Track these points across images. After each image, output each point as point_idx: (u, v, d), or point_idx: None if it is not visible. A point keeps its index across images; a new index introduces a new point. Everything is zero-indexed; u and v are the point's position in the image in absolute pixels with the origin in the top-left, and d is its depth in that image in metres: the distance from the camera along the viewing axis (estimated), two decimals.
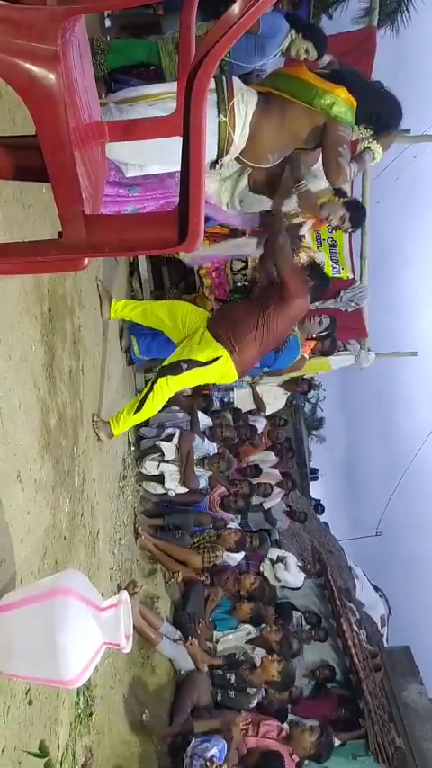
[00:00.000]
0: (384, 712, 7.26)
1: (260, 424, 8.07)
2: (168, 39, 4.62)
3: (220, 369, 4.13)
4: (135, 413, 4.13)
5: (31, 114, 1.43)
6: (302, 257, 5.77)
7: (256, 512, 8.04)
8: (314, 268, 4.62)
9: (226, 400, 7.59)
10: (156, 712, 4.44)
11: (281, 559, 7.82)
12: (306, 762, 5.29)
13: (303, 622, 7.79)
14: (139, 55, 4.63)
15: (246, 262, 5.81)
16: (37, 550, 2.65)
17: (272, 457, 8.70)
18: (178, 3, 2.17)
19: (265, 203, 4.63)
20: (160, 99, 3.55)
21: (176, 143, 1.58)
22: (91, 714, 3.34)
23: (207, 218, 4.64)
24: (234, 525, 6.94)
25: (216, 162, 3.80)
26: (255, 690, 5.25)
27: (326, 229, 6.47)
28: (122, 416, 4.12)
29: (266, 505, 8.21)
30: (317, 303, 5.44)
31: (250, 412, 7.73)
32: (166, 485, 5.62)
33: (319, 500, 21.43)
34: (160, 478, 5.64)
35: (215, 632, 5.85)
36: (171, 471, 5.63)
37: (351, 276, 6.51)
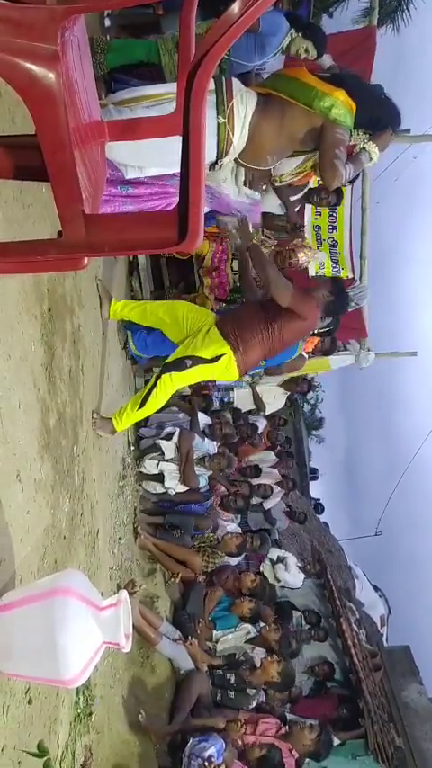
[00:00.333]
0: (384, 712, 7.27)
1: (260, 424, 8.07)
2: (168, 37, 4.62)
3: (224, 366, 4.14)
4: (139, 408, 4.14)
5: (30, 114, 1.43)
6: (302, 257, 5.78)
7: (255, 511, 8.04)
8: (336, 284, 4.53)
9: (226, 400, 7.59)
10: (155, 712, 4.44)
11: (281, 560, 7.83)
12: (306, 761, 5.29)
13: (303, 622, 7.80)
14: (139, 54, 4.62)
15: None
16: (37, 550, 2.65)
17: (271, 457, 8.70)
18: (178, 2, 2.17)
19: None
20: (159, 100, 3.55)
21: (176, 144, 1.58)
22: (91, 714, 3.34)
23: (206, 218, 4.64)
24: (233, 525, 6.94)
25: (215, 163, 3.80)
26: (254, 690, 5.26)
27: (326, 229, 6.48)
28: (126, 412, 4.12)
29: (266, 505, 8.22)
30: None
31: (250, 412, 7.73)
32: (166, 483, 5.62)
33: (319, 500, 21.48)
34: (160, 477, 5.64)
35: (215, 632, 5.85)
36: (170, 470, 5.63)
37: (351, 276, 6.52)
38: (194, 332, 4.23)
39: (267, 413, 7.82)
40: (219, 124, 3.60)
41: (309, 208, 6.31)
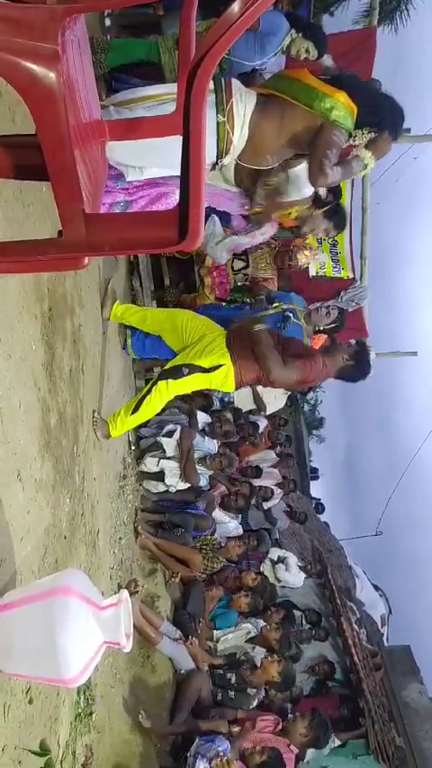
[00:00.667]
0: (384, 711, 7.27)
1: (261, 424, 8.07)
2: (168, 36, 4.62)
3: (221, 377, 4.15)
4: (132, 413, 4.12)
5: (31, 113, 1.43)
6: (302, 259, 5.77)
7: (256, 511, 8.03)
8: (360, 352, 4.41)
9: (226, 399, 7.58)
10: (156, 712, 4.44)
11: (281, 560, 7.83)
12: (307, 761, 5.29)
13: (304, 621, 7.80)
14: (139, 54, 4.63)
15: (246, 261, 5.81)
16: (37, 550, 2.65)
17: (272, 456, 8.70)
18: (178, 2, 2.17)
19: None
20: (159, 101, 3.55)
21: (176, 144, 1.58)
22: (91, 713, 3.34)
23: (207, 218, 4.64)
24: (234, 524, 6.91)
25: (216, 163, 3.81)
26: (255, 690, 5.25)
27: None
28: (119, 417, 4.10)
29: (266, 505, 8.21)
30: (317, 304, 5.42)
31: (250, 411, 7.72)
32: (167, 481, 5.62)
33: (320, 499, 21.47)
34: (160, 476, 5.64)
35: (215, 631, 5.85)
36: (171, 467, 5.63)
37: (351, 276, 6.52)
38: (195, 340, 4.23)
39: (268, 413, 7.81)
40: (218, 123, 3.60)
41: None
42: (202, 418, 6.42)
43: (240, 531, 6.97)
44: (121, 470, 4.98)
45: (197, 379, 4.14)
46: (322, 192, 4.73)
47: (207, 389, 6.65)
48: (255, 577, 6.26)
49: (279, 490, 8.26)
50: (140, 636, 4.70)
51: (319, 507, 18.53)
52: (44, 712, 2.59)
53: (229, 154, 3.75)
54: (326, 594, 8.88)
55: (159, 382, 4.09)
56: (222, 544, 6.30)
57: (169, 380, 4.09)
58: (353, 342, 5.09)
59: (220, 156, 3.75)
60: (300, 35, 4.75)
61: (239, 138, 3.69)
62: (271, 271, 5.85)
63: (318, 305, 5.33)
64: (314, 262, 6.20)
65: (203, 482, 6.11)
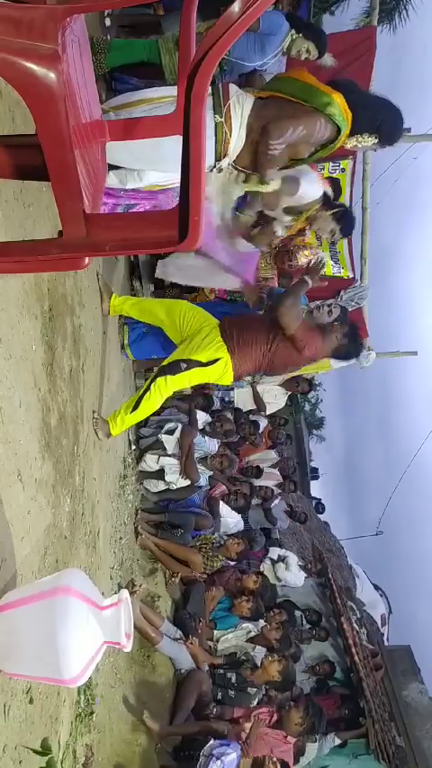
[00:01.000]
0: (385, 711, 7.28)
1: (261, 423, 8.07)
2: (169, 37, 4.62)
3: (219, 370, 4.15)
4: (132, 411, 4.12)
5: (31, 113, 1.43)
6: (302, 260, 5.77)
7: (256, 510, 8.03)
8: (352, 328, 4.51)
9: (227, 399, 7.59)
10: (156, 711, 4.44)
11: (281, 559, 7.83)
12: (308, 762, 5.29)
13: (304, 621, 7.80)
14: (140, 54, 4.63)
15: None
16: (37, 549, 2.65)
17: (272, 455, 8.70)
18: (178, 2, 2.18)
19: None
20: (158, 104, 3.55)
21: (175, 147, 1.58)
22: (92, 713, 3.34)
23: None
24: (234, 520, 6.86)
25: (213, 166, 3.81)
26: (255, 690, 5.26)
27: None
28: (120, 415, 4.10)
29: (266, 505, 8.21)
30: (317, 302, 5.42)
31: (250, 411, 7.73)
32: (167, 478, 5.62)
33: (320, 499, 21.49)
34: (160, 474, 5.64)
35: (215, 631, 5.85)
36: (171, 464, 5.64)
37: (351, 275, 6.52)
38: (192, 334, 4.22)
39: (268, 413, 7.82)
40: (216, 123, 3.60)
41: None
42: (203, 418, 6.42)
43: (241, 526, 6.94)
44: (121, 470, 4.98)
45: (195, 373, 4.14)
46: (331, 192, 4.73)
47: (207, 388, 6.67)
48: (256, 580, 6.26)
49: (278, 491, 8.26)
50: (141, 636, 4.70)
51: (320, 507, 18.55)
52: (45, 712, 2.59)
53: (227, 156, 3.75)
54: (326, 594, 8.88)
55: (158, 379, 4.09)
56: (222, 542, 6.29)
57: (167, 376, 4.08)
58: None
59: (218, 158, 3.75)
60: (300, 35, 4.75)
61: (237, 138, 3.68)
62: (271, 271, 5.85)
63: (319, 303, 5.32)
64: (314, 260, 6.19)
65: (203, 481, 6.11)
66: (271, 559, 7.79)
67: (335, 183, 5.73)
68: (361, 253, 6.56)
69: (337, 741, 6.36)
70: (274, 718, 5.09)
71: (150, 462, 5.63)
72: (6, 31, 1.37)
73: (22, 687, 2.35)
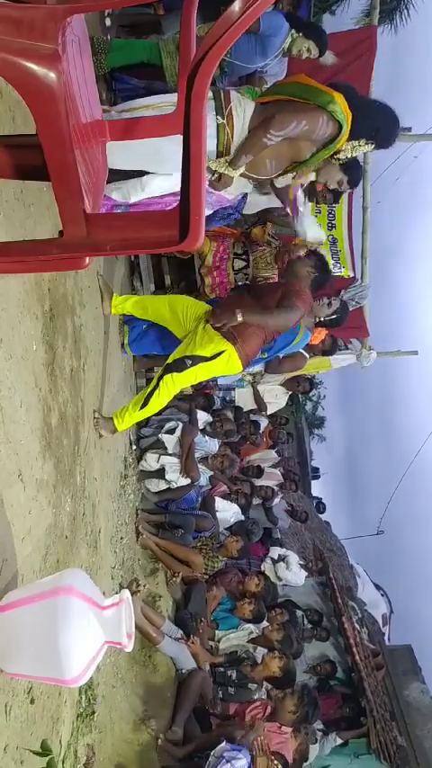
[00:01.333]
0: (386, 711, 7.28)
1: (261, 423, 8.07)
2: (169, 39, 4.63)
3: (225, 362, 4.12)
4: (141, 408, 4.13)
5: (31, 112, 1.43)
6: (302, 253, 5.76)
7: (257, 509, 8.04)
8: (315, 259, 4.59)
9: (227, 399, 7.59)
10: (157, 711, 4.44)
11: (282, 558, 7.83)
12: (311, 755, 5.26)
13: (305, 621, 7.80)
14: (140, 55, 4.63)
15: (247, 261, 5.81)
16: (39, 549, 2.65)
17: (273, 455, 8.70)
18: (178, 2, 2.17)
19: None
20: (159, 109, 3.56)
21: (176, 150, 1.58)
22: (93, 713, 3.34)
23: (208, 220, 4.63)
24: (234, 510, 6.84)
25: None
26: (255, 685, 5.25)
27: (326, 227, 6.46)
28: (128, 411, 4.11)
29: (267, 504, 8.22)
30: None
31: (251, 411, 7.73)
32: (167, 476, 5.62)
33: (321, 499, 21.50)
34: (161, 473, 5.64)
35: (217, 631, 5.85)
36: (172, 463, 5.64)
37: (352, 275, 6.51)
38: (193, 328, 4.22)
39: (269, 412, 7.82)
40: (218, 125, 3.61)
41: (308, 205, 6.30)
42: (203, 417, 6.42)
43: (240, 516, 6.93)
44: (122, 470, 4.98)
45: (202, 369, 4.13)
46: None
47: (208, 387, 6.67)
48: (258, 583, 6.26)
49: (279, 491, 8.26)
50: (142, 635, 4.70)
51: (320, 506, 18.55)
52: (46, 712, 2.59)
53: (229, 156, 3.76)
54: (327, 594, 8.89)
55: (165, 376, 4.08)
56: (222, 542, 6.29)
57: (174, 374, 4.08)
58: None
59: (219, 158, 3.76)
60: (300, 34, 4.75)
61: (239, 140, 3.69)
62: (272, 271, 5.85)
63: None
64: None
65: (204, 481, 6.10)
66: (272, 559, 7.79)
67: None
68: (362, 252, 6.56)
69: (339, 741, 6.37)
70: (268, 710, 5.05)
71: (151, 461, 5.63)
72: (7, 31, 1.37)
73: (23, 687, 2.35)
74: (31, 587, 2.16)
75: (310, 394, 25.86)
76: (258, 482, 7.83)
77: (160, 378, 4.10)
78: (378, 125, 3.80)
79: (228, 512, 6.63)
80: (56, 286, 3.14)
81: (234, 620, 5.99)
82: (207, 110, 1.56)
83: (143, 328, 4.89)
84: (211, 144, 3.62)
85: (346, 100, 3.62)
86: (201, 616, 5.46)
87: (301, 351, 5.73)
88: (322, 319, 5.28)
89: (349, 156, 3.98)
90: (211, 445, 6.32)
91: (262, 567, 7.53)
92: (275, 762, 4.24)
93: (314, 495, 23.21)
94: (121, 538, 4.62)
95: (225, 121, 3.62)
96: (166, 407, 5.32)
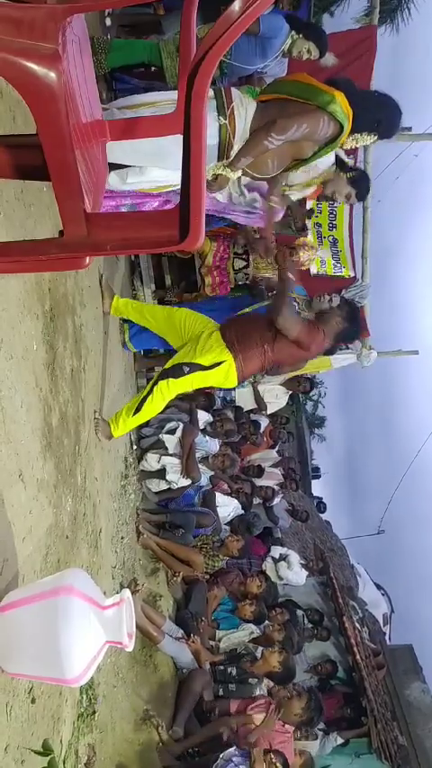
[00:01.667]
0: (387, 710, 7.28)
1: (262, 423, 8.07)
2: (170, 40, 4.63)
3: (222, 373, 4.11)
4: (134, 414, 4.11)
5: (31, 112, 1.43)
6: (302, 256, 5.77)
7: (257, 509, 8.04)
8: (349, 310, 4.45)
9: (228, 399, 7.59)
10: (158, 710, 4.44)
11: (283, 557, 7.82)
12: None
13: (305, 620, 7.80)
14: (141, 55, 4.63)
15: (247, 261, 5.82)
16: (39, 549, 2.65)
17: (273, 455, 8.70)
18: (178, 2, 2.17)
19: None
20: (158, 107, 3.55)
21: (177, 146, 1.58)
22: (94, 713, 3.35)
23: (208, 220, 4.64)
24: (234, 505, 6.82)
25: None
26: (256, 680, 5.25)
27: (326, 227, 6.47)
28: (121, 417, 4.09)
29: (268, 504, 8.22)
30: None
31: (251, 411, 7.73)
32: (168, 477, 5.63)
33: (321, 498, 21.50)
34: (162, 474, 5.64)
35: (218, 631, 5.86)
36: (172, 464, 5.64)
37: (352, 274, 6.51)
38: (193, 338, 4.22)
39: (269, 412, 7.83)
40: (220, 125, 3.61)
41: (308, 205, 6.30)
42: (204, 417, 6.42)
43: (240, 510, 6.92)
44: (122, 470, 4.98)
45: (198, 377, 4.12)
46: (344, 156, 4.70)
47: (209, 390, 6.67)
48: (260, 584, 6.26)
49: (279, 490, 8.26)
50: (143, 635, 4.70)
51: (321, 506, 18.54)
52: (47, 712, 2.59)
53: (231, 157, 3.76)
54: (328, 593, 8.88)
55: (160, 382, 4.08)
56: (222, 541, 6.29)
57: (170, 379, 4.07)
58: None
59: (221, 159, 3.75)
60: (300, 36, 4.75)
61: (240, 141, 3.69)
62: (272, 270, 5.85)
63: (319, 294, 5.34)
64: (315, 259, 6.20)
65: (204, 481, 6.10)
66: (273, 558, 7.79)
67: None
68: (362, 251, 6.56)
69: (340, 740, 6.36)
70: (271, 708, 5.05)
71: (152, 462, 5.63)
72: (7, 31, 1.37)
73: (24, 687, 2.35)
74: (32, 587, 2.16)
75: (311, 394, 25.88)
76: (259, 482, 7.83)
77: (155, 383, 4.09)
78: (379, 117, 3.80)
79: (228, 506, 6.63)
80: (56, 286, 3.14)
81: (235, 620, 5.99)
82: (208, 109, 1.55)
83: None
84: (211, 143, 3.62)
85: (346, 95, 3.62)
86: (201, 616, 5.46)
87: None
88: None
89: (352, 147, 3.97)
90: (212, 445, 6.32)
91: (263, 566, 7.53)
92: (275, 761, 4.24)
93: (315, 494, 23.22)
94: (122, 537, 4.62)
95: (227, 122, 3.62)
96: (167, 407, 5.31)
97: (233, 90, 3.72)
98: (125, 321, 4.93)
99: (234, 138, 3.67)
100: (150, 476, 5.73)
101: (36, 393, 2.71)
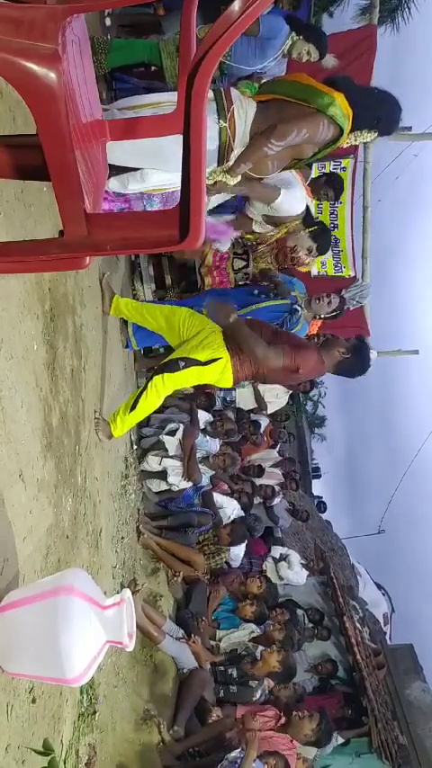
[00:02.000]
0: (387, 710, 7.27)
1: (262, 422, 8.07)
2: (170, 40, 4.63)
3: (218, 371, 4.05)
4: (130, 411, 4.06)
5: (31, 112, 1.43)
6: (303, 255, 5.76)
7: (258, 508, 8.04)
8: (356, 345, 4.24)
9: (228, 399, 7.59)
10: (159, 710, 4.45)
11: (284, 557, 7.83)
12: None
13: (306, 620, 7.80)
14: (141, 55, 4.63)
15: (247, 261, 5.82)
16: (40, 549, 2.65)
17: (273, 455, 8.70)
18: (178, 2, 2.17)
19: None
20: (159, 108, 3.55)
21: (177, 146, 1.58)
22: (94, 712, 3.35)
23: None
24: (233, 505, 6.81)
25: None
26: (257, 682, 5.25)
27: (327, 226, 6.47)
28: (119, 416, 4.04)
29: (268, 503, 8.22)
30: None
31: (252, 410, 7.74)
32: (169, 480, 5.62)
33: (321, 498, 21.51)
34: (163, 474, 5.64)
35: (218, 631, 5.86)
36: (174, 466, 5.63)
37: (353, 274, 6.52)
38: (194, 335, 4.20)
39: (269, 411, 7.83)
40: (220, 128, 3.61)
41: (310, 204, 6.31)
42: (204, 417, 6.42)
43: (240, 512, 6.91)
44: (122, 469, 4.98)
45: (193, 372, 4.06)
46: (312, 209, 4.74)
47: (209, 387, 6.67)
48: (260, 585, 6.27)
49: (279, 490, 8.26)
50: (143, 635, 4.70)
51: (321, 506, 18.55)
52: (47, 712, 2.59)
53: (230, 161, 3.76)
54: (328, 593, 8.88)
55: (155, 377, 4.03)
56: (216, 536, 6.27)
57: (165, 374, 4.02)
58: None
59: (221, 162, 3.75)
60: (300, 37, 4.74)
61: (240, 143, 3.69)
62: (272, 270, 5.86)
63: (318, 295, 5.35)
64: (315, 261, 6.20)
65: (205, 481, 6.10)
66: (273, 558, 7.80)
67: (338, 179, 5.72)
68: (362, 251, 6.57)
69: (340, 740, 6.36)
70: (281, 721, 5.07)
71: (153, 464, 5.63)
72: (7, 31, 1.37)
73: (24, 687, 2.35)
74: (33, 587, 2.16)
75: (311, 393, 25.89)
76: (259, 481, 7.83)
77: (150, 379, 4.06)
78: (379, 114, 3.80)
79: (227, 507, 6.62)
80: (56, 286, 3.14)
81: (235, 620, 5.99)
82: (208, 112, 1.55)
83: None
84: (212, 146, 3.62)
85: (345, 93, 3.61)
86: (202, 615, 5.46)
87: None
88: (323, 316, 5.31)
89: (352, 144, 3.97)
90: (212, 445, 6.32)
91: (264, 566, 7.54)
92: (275, 761, 4.26)
93: (315, 494, 23.23)
94: (123, 537, 4.62)
95: (227, 124, 3.62)
96: (167, 406, 5.30)
97: (233, 91, 3.72)
98: (125, 322, 4.93)
99: (234, 141, 3.67)
100: (151, 476, 5.73)
101: (36, 393, 2.71)
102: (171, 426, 5.80)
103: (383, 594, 11.65)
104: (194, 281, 6.02)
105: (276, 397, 7.53)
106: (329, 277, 6.54)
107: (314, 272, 6.39)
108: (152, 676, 4.70)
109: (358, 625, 8.44)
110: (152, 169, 3.77)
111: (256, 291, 5.37)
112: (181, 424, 5.84)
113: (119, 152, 3.39)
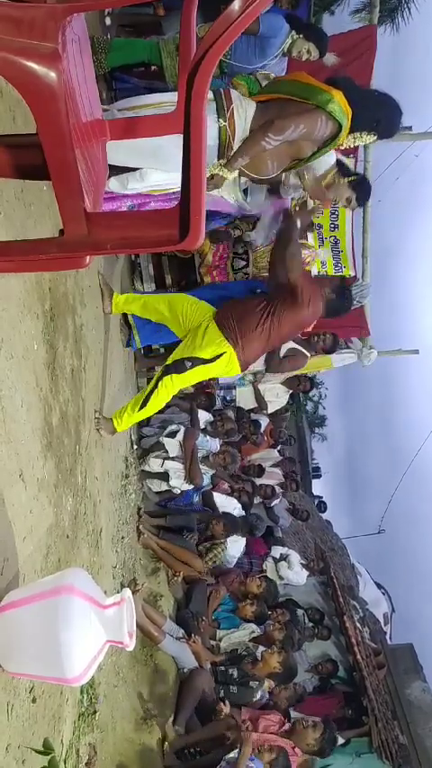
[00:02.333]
0: (388, 710, 7.27)
1: (262, 422, 8.07)
2: (170, 39, 4.63)
3: (224, 365, 4.11)
4: (140, 409, 4.12)
5: (31, 112, 1.43)
6: (303, 252, 5.76)
7: (258, 508, 8.04)
8: (338, 282, 4.49)
9: (228, 398, 7.59)
10: (159, 710, 4.45)
11: (284, 557, 7.83)
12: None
13: (306, 620, 7.80)
14: (141, 55, 4.63)
15: (247, 260, 5.82)
16: (40, 549, 2.65)
17: (274, 455, 8.69)
18: (178, 2, 2.18)
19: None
20: (160, 108, 3.56)
21: (177, 146, 1.58)
22: (95, 712, 3.35)
23: (208, 219, 4.64)
24: (233, 503, 6.81)
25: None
26: (257, 683, 5.25)
27: (328, 228, 6.47)
28: (126, 412, 4.11)
29: (268, 503, 8.22)
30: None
31: (252, 410, 7.74)
32: (171, 482, 5.63)
33: (322, 498, 21.51)
34: (164, 475, 5.64)
35: (218, 631, 5.86)
36: (176, 469, 5.64)
37: (353, 274, 6.51)
38: (194, 329, 4.20)
39: (269, 411, 7.83)
40: (220, 127, 3.62)
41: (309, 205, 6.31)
42: (204, 417, 6.42)
43: (240, 511, 6.90)
44: (123, 469, 4.98)
45: (201, 370, 4.11)
46: (345, 160, 4.69)
47: (209, 387, 6.67)
48: (260, 584, 6.27)
49: (279, 490, 8.26)
50: (143, 635, 4.70)
51: (321, 506, 18.54)
52: (47, 711, 2.59)
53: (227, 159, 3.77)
54: (329, 593, 8.88)
55: (164, 377, 4.08)
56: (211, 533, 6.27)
57: (173, 375, 4.07)
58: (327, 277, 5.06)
59: (220, 159, 3.76)
60: (300, 36, 4.74)
61: (241, 139, 3.69)
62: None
63: None
64: (315, 259, 6.20)
65: (206, 481, 6.10)
66: (273, 558, 7.80)
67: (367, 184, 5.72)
68: (362, 251, 6.56)
69: (340, 740, 6.35)
70: (285, 726, 5.06)
71: (154, 466, 5.63)
72: (7, 31, 1.37)
73: (24, 686, 2.35)
74: (33, 587, 2.16)
75: (311, 393, 25.90)
76: (259, 481, 7.83)
77: (159, 379, 4.10)
78: (379, 116, 3.80)
79: (227, 507, 6.62)
80: (56, 285, 3.14)
81: (236, 620, 5.99)
82: (208, 111, 1.56)
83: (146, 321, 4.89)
84: (211, 146, 3.62)
85: (345, 94, 3.62)
86: (202, 615, 5.46)
87: (302, 350, 5.75)
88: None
89: (351, 146, 3.97)
90: (212, 444, 6.32)
91: (264, 566, 7.53)
92: (274, 755, 4.26)
93: (315, 494, 23.24)
94: (123, 537, 4.62)
95: (227, 124, 3.62)
96: (167, 406, 5.30)
97: (232, 92, 3.74)
98: (126, 321, 4.93)
99: (234, 139, 3.67)
100: (152, 475, 5.73)
101: (36, 393, 2.71)
102: (171, 428, 5.80)
103: (383, 594, 11.65)
104: (194, 281, 6.02)
105: (276, 396, 7.53)
106: (329, 277, 6.53)
107: (314, 271, 6.39)
108: (152, 676, 4.70)
109: (358, 625, 8.45)
110: (151, 169, 3.77)
111: (258, 290, 5.36)
112: (181, 426, 5.84)
113: (119, 153, 3.40)
